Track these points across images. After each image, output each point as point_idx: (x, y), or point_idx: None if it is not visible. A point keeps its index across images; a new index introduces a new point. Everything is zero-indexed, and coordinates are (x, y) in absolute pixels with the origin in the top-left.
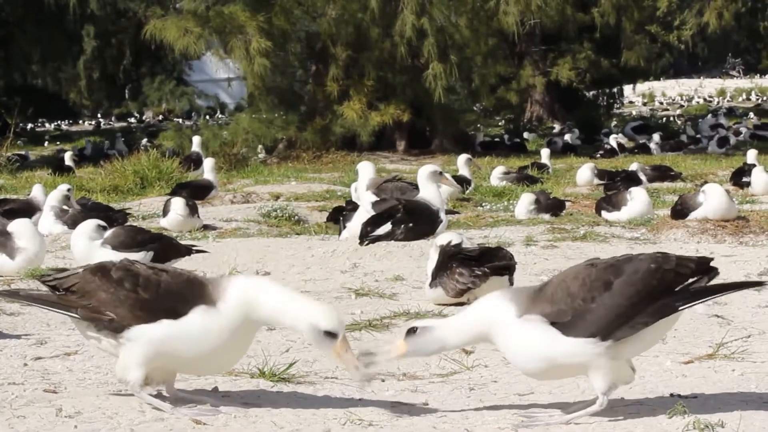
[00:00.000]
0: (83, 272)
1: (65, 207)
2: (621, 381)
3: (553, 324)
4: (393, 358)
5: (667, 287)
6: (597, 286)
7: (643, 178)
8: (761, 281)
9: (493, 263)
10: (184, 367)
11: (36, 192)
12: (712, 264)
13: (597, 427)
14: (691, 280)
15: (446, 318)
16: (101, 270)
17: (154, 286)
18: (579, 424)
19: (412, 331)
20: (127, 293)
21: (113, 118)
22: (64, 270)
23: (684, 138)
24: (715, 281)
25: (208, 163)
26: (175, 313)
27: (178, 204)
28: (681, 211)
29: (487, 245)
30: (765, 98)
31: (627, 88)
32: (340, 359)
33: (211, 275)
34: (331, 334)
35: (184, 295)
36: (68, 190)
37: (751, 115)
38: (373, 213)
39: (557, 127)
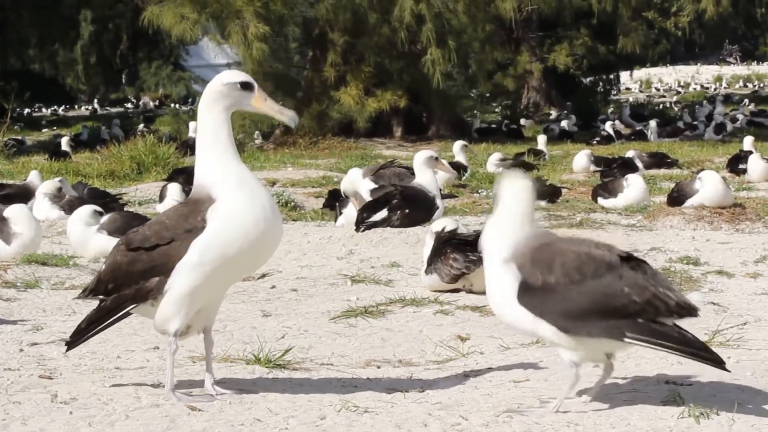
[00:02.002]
0: (106, 267)
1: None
2: (588, 360)
3: (521, 284)
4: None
5: (630, 314)
6: (571, 277)
7: (639, 164)
8: (723, 363)
9: None
10: (230, 272)
11: (33, 177)
12: (695, 311)
13: (593, 414)
14: (661, 318)
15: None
16: (117, 253)
17: (164, 228)
18: (575, 412)
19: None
20: (149, 252)
21: (110, 103)
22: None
23: (681, 124)
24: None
25: None
26: (194, 229)
27: (174, 189)
28: (677, 198)
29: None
30: (762, 85)
31: (624, 75)
32: (263, 107)
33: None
34: (246, 86)
35: (191, 213)
36: (60, 181)
37: (746, 102)
38: (370, 199)
39: (554, 114)
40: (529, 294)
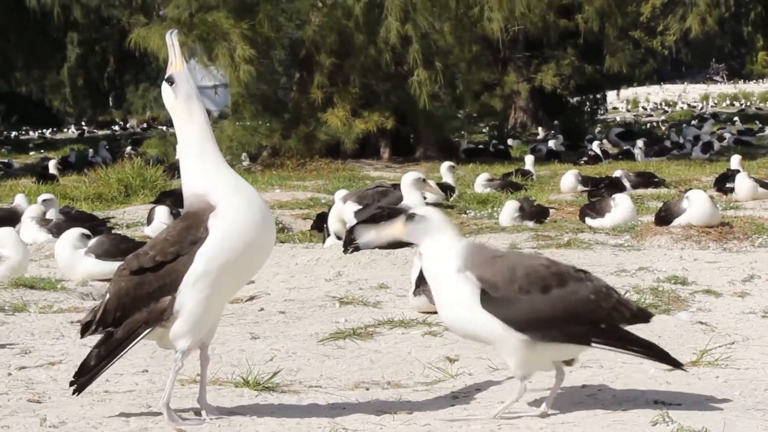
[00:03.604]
0: (110, 295)
1: (46, 217)
2: (538, 369)
3: (482, 292)
4: (393, 236)
5: (595, 320)
6: (537, 285)
7: (627, 184)
8: (681, 365)
9: None
10: (239, 276)
11: (19, 201)
12: (649, 317)
13: None
14: (623, 324)
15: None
16: (120, 279)
17: (166, 245)
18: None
19: (411, 218)
20: (154, 273)
21: (97, 126)
22: (92, 313)
23: (668, 144)
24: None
25: None
26: (199, 240)
27: (162, 212)
28: (665, 217)
29: None
30: (749, 103)
31: (611, 94)
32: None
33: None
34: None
35: (191, 226)
36: (43, 201)
37: (737, 120)
38: (355, 222)
39: (541, 134)
40: (493, 302)
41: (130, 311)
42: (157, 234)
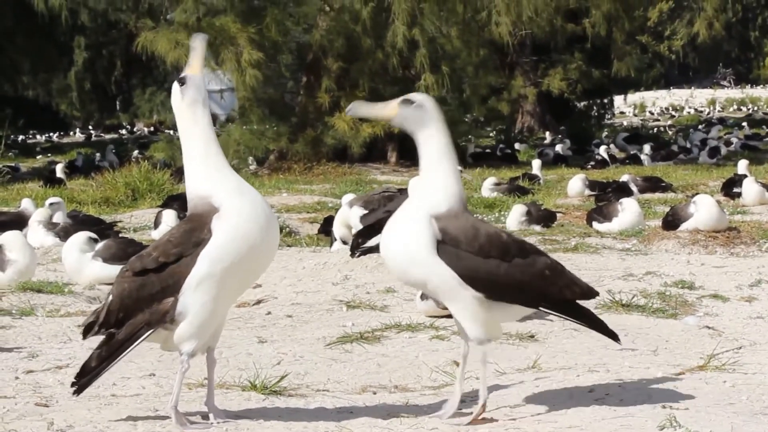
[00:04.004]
0: (113, 297)
1: (53, 221)
2: (493, 337)
3: (440, 242)
4: (382, 116)
5: (547, 294)
6: (499, 250)
7: (634, 188)
8: (617, 337)
9: None
10: (242, 278)
11: (25, 205)
12: (594, 294)
13: None
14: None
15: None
16: (123, 281)
17: (169, 247)
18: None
19: (408, 103)
20: (157, 274)
21: (104, 130)
22: (94, 314)
23: (675, 148)
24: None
25: None
26: (203, 242)
27: (169, 216)
28: (672, 222)
29: None
30: (756, 108)
31: (618, 99)
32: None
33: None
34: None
35: (194, 229)
36: (51, 205)
37: (746, 125)
38: (361, 227)
39: (548, 138)
40: (451, 255)
41: (132, 312)
42: (163, 235)
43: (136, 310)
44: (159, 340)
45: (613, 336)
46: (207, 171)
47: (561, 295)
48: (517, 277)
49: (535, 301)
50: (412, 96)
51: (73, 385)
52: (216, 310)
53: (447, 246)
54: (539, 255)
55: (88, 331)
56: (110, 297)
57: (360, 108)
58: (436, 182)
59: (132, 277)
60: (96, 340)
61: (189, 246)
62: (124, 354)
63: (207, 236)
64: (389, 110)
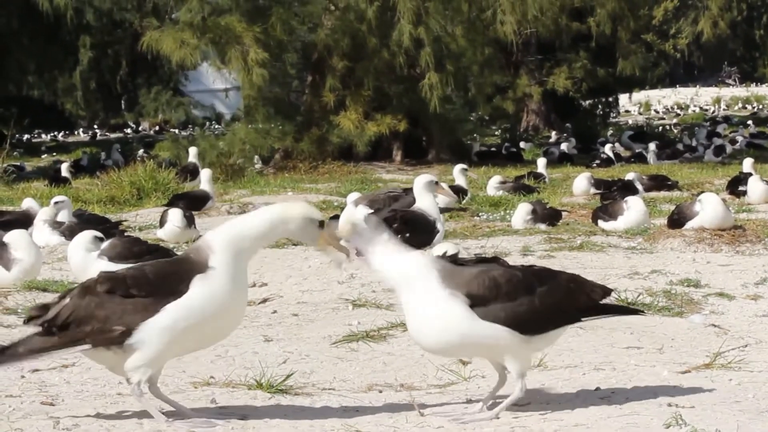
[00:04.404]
0: (71, 301)
1: (58, 220)
2: (529, 368)
3: (472, 306)
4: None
5: (578, 305)
6: (521, 287)
7: (639, 187)
8: (640, 310)
9: None
10: (198, 341)
11: (29, 204)
12: (610, 292)
13: None
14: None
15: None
16: (87, 291)
17: (145, 280)
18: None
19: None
20: (122, 299)
21: (109, 129)
22: (44, 307)
23: (680, 147)
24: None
25: (204, 173)
26: (176, 293)
27: (175, 215)
28: (677, 220)
29: (483, 255)
30: (761, 106)
31: (623, 97)
32: (330, 243)
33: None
34: (322, 224)
35: (176, 274)
36: (56, 203)
37: (751, 123)
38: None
39: (553, 137)
40: (489, 310)
41: (81, 323)
42: (145, 264)
43: (86, 323)
44: (102, 361)
45: (639, 311)
46: (229, 243)
47: (591, 301)
48: (553, 303)
49: (573, 317)
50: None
51: None
52: (169, 355)
53: (480, 307)
54: (553, 273)
55: (30, 320)
56: (68, 299)
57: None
58: (419, 270)
59: (97, 291)
60: None
61: (163, 289)
62: (51, 355)
63: (182, 290)
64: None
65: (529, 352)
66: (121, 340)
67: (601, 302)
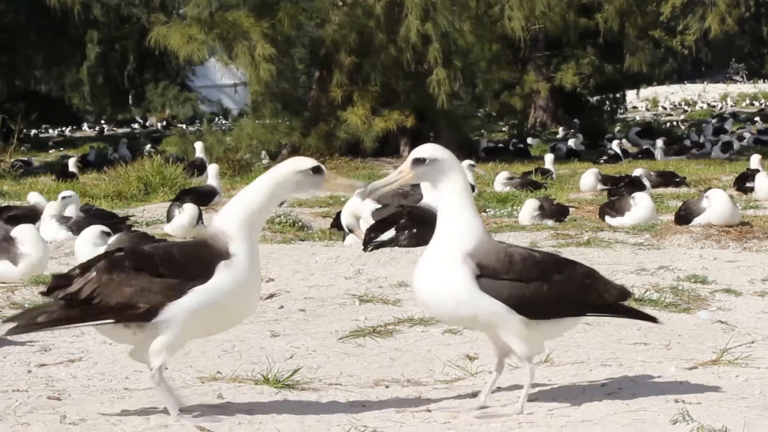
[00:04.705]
0: (97, 276)
1: (65, 215)
2: (536, 352)
3: (480, 277)
4: (401, 184)
5: (589, 302)
6: (537, 271)
7: (646, 183)
8: (655, 319)
9: None
10: (215, 327)
11: (35, 199)
12: (629, 294)
13: None
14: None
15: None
16: (114, 265)
17: (173, 260)
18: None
19: (420, 162)
20: (150, 277)
21: (116, 124)
22: (68, 278)
23: (687, 143)
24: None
25: (212, 169)
26: (203, 276)
27: (190, 210)
28: (685, 216)
29: None
30: None
31: (630, 94)
32: (335, 185)
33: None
34: (317, 170)
35: (201, 257)
36: (64, 198)
37: (759, 120)
38: (373, 221)
39: (561, 133)
40: (492, 285)
41: (105, 298)
42: (174, 243)
43: (111, 297)
44: (120, 339)
45: (653, 319)
46: (244, 223)
47: (602, 301)
48: (561, 293)
49: (579, 312)
50: (420, 153)
51: (9, 320)
52: (190, 335)
53: (487, 279)
54: (574, 265)
55: (51, 291)
56: (94, 273)
57: (378, 186)
58: (460, 222)
59: (125, 266)
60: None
61: (190, 271)
62: (71, 328)
63: (207, 273)
64: (405, 176)
65: (534, 336)
66: (146, 317)
67: (610, 303)
